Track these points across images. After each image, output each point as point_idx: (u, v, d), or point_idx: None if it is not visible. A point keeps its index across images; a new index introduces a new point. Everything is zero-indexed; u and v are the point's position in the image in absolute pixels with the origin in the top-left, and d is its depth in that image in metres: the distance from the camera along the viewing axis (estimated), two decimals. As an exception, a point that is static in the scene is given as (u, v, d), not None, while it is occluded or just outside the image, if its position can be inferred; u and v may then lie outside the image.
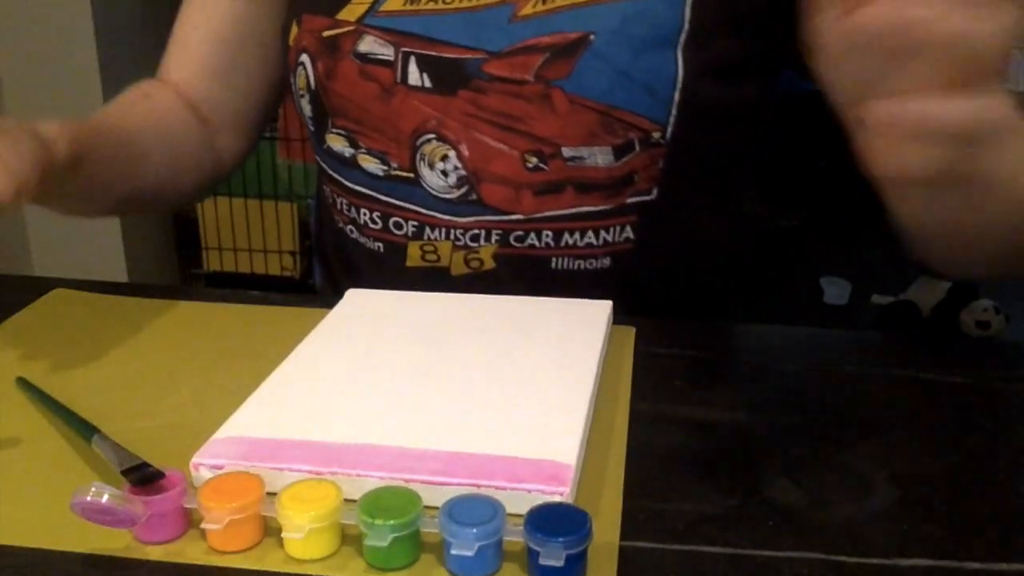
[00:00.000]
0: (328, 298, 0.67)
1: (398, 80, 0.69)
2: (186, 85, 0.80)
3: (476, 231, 0.71)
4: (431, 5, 0.68)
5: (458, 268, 0.73)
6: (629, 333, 0.64)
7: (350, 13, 0.70)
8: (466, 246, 0.72)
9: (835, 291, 2.69)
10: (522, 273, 0.72)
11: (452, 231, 0.72)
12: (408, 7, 0.69)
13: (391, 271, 0.75)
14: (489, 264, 0.72)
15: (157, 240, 2.44)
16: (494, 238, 0.71)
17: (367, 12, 0.70)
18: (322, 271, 0.91)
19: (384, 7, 0.69)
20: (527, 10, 0.66)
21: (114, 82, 2.11)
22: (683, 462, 0.49)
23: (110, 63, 2.12)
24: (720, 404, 0.56)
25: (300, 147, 2.44)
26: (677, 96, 0.66)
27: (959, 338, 2.36)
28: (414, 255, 0.73)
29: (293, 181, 2.51)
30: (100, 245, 2.24)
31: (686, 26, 0.65)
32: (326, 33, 0.71)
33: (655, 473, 0.48)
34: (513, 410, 0.51)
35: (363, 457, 0.46)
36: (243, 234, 2.48)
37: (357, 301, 0.66)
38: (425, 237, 0.72)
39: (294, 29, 0.73)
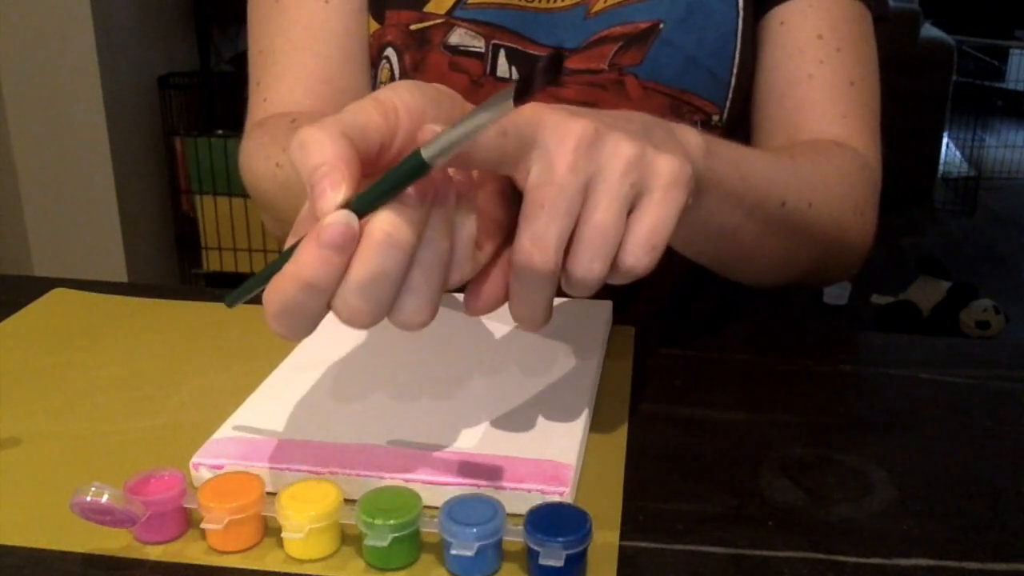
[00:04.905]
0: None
1: (487, 72, 0.71)
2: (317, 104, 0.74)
3: None
4: (515, 0, 0.70)
5: None
6: (629, 333, 0.63)
7: (438, 6, 0.71)
8: None
9: (835, 291, 2.69)
10: None
11: None
12: (496, 0, 0.70)
13: None
14: None
15: (157, 240, 2.44)
16: None
17: (456, 5, 0.71)
18: None
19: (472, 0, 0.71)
20: (598, 6, 0.69)
21: (114, 82, 2.11)
22: (683, 462, 0.49)
23: (110, 63, 2.12)
24: (720, 404, 0.56)
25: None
26: (734, 80, 0.70)
27: (959, 338, 2.36)
28: None
29: (293, 181, 2.50)
30: (100, 245, 2.24)
31: (741, 13, 0.69)
32: (414, 26, 0.71)
33: (655, 473, 0.48)
34: (513, 410, 0.51)
35: (363, 457, 0.46)
36: (243, 234, 2.48)
37: (357, 301, 0.66)
38: None
39: (372, 25, 0.73)
